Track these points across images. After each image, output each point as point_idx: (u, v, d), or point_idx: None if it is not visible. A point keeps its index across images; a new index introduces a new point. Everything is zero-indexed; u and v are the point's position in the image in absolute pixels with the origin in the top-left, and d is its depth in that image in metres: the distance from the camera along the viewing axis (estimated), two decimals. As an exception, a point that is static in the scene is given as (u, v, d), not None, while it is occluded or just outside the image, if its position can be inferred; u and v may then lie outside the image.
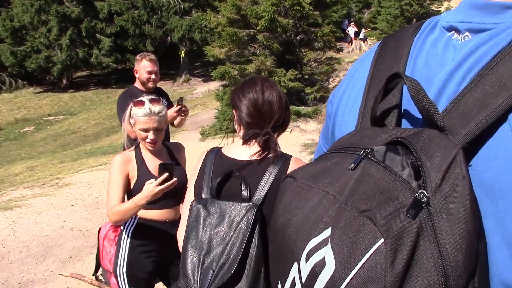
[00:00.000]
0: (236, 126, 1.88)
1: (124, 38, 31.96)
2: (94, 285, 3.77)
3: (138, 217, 2.67)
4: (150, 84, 4.11)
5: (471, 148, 0.66)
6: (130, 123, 2.61)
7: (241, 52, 14.88)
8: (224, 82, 15.44)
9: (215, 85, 21.87)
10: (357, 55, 25.88)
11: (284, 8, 13.95)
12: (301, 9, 13.79)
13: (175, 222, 2.66)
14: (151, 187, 2.30)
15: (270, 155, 1.74)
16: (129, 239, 2.65)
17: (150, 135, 2.56)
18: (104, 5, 31.26)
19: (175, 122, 4.09)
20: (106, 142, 19.31)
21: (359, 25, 31.27)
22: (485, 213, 0.64)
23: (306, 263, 0.68)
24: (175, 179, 2.33)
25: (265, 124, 1.77)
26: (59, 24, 30.23)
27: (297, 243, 0.71)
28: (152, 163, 2.61)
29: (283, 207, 0.80)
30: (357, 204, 0.64)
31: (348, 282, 0.59)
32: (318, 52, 15.46)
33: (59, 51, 30.62)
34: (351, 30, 29.47)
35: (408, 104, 0.78)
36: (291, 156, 1.81)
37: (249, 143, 1.78)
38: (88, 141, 21.02)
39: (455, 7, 0.83)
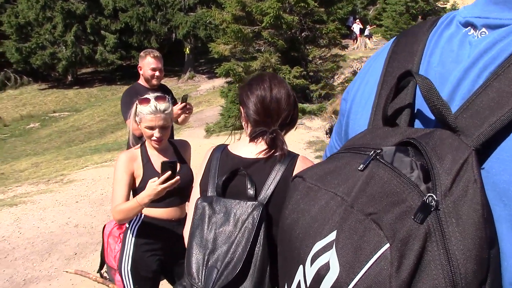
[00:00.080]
0: (243, 123, 1.86)
1: (129, 34, 32.00)
2: (98, 282, 3.77)
3: (143, 215, 2.65)
4: (154, 81, 4.10)
5: (485, 150, 0.63)
6: (135, 120, 2.59)
7: (246, 49, 14.85)
8: (229, 79, 15.43)
9: (219, 82, 21.89)
10: (362, 52, 25.84)
11: (289, 4, 13.92)
12: (306, 6, 13.77)
13: (181, 221, 2.65)
14: (153, 186, 2.27)
15: (277, 154, 1.72)
16: (134, 237, 2.64)
17: (156, 133, 2.54)
18: (109, 2, 31.29)
19: (179, 119, 4.08)
20: (110, 139, 19.34)
21: (364, 22, 31.17)
22: (498, 218, 0.61)
23: (311, 266, 0.66)
24: (178, 177, 2.30)
25: (273, 122, 1.74)
26: (64, 21, 30.30)
27: (303, 245, 0.70)
28: (158, 161, 2.59)
29: (291, 208, 0.78)
30: (363, 207, 0.62)
31: None
32: (323, 49, 15.42)
33: (64, 47, 30.69)
34: (356, 27, 29.35)
35: (422, 103, 0.74)
36: (298, 155, 1.78)
37: (255, 140, 1.75)
38: (93, 138, 21.07)
39: (472, 2, 0.80)
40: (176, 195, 2.57)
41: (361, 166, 0.67)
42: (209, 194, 1.72)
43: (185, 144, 2.88)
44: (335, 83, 16.20)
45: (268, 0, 13.65)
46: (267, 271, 1.60)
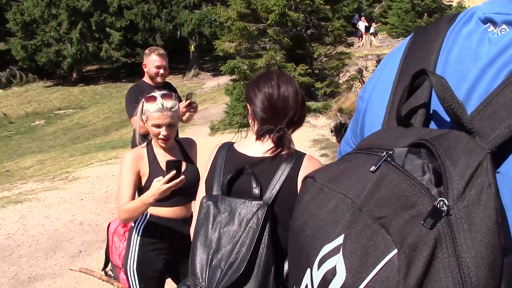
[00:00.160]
0: (250, 120, 1.84)
1: (134, 32, 32.00)
2: (103, 280, 3.76)
3: (149, 214, 2.63)
4: (158, 79, 4.09)
5: (501, 153, 0.60)
6: (142, 119, 2.57)
7: (251, 47, 14.83)
8: (233, 77, 15.39)
9: (224, 79, 21.84)
10: (368, 50, 25.77)
11: (295, 2, 13.90)
12: (311, 3, 13.75)
13: (187, 220, 2.64)
14: (158, 185, 2.25)
15: (284, 152, 1.70)
16: (139, 237, 2.62)
17: (163, 131, 2.52)
18: (114, -1, 31.35)
19: (184, 117, 4.07)
20: (115, 136, 19.38)
21: (370, 20, 31.05)
22: None
23: (318, 270, 0.65)
24: (183, 176, 2.28)
25: (280, 120, 1.72)
26: (69, 18, 30.33)
27: (311, 248, 0.68)
28: (164, 160, 2.56)
29: (301, 209, 0.76)
30: (372, 211, 0.60)
31: None
32: (328, 46, 15.38)
33: (69, 45, 30.73)
34: (362, 24, 29.25)
35: (437, 102, 0.71)
36: (305, 154, 1.76)
37: (262, 139, 1.73)
38: (98, 135, 21.11)
39: None
40: (182, 194, 2.55)
41: (373, 167, 0.65)
42: (214, 192, 1.71)
43: (191, 142, 2.87)
44: (340, 81, 16.17)
45: (273, -3, 13.63)
46: (271, 272, 1.59)
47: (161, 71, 4.07)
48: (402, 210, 0.56)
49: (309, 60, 14.76)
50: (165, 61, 4.12)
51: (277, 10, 13.09)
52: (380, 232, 0.57)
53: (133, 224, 2.67)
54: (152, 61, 4.05)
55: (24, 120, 26.05)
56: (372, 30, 29.09)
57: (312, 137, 10.88)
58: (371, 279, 0.56)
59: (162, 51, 4.14)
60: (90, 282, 4.50)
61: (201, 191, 1.80)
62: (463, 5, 30.64)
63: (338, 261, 0.60)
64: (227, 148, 1.80)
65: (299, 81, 13.18)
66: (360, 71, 21.64)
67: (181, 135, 3.88)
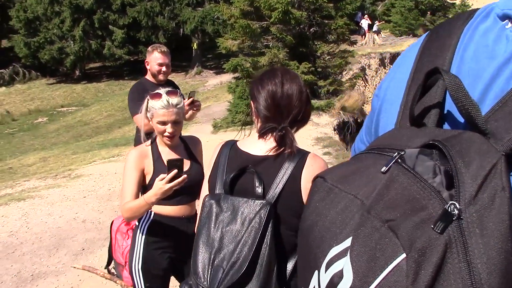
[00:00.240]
0: (254, 118, 1.83)
1: (137, 29, 31.99)
2: (106, 278, 3.76)
3: (153, 213, 2.61)
4: (161, 77, 4.07)
5: None
6: (147, 116, 2.56)
7: (254, 45, 14.83)
8: (236, 75, 15.38)
9: (227, 77, 21.85)
10: (371, 48, 25.73)
11: (298, 0, 13.86)
12: (314, 1, 13.74)
13: (191, 218, 2.62)
14: (160, 185, 2.23)
15: (286, 151, 1.69)
16: (144, 236, 2.60)
17: (169, 128, 2.49)
18: (117, -4, 31.34)
19: (187, 115, 4.05)
20: (118, 134, 19.38)
21: (373, 18, 30.99)
22: None
23: (325, 272, 0.63)
24: (185, 176, 2.26)
25: (283, 118, 1.70)
26: (72, 15, 30.34)
27: (319, 249, 0.67)
28: (169, 157, 2.55)
29: (311, 209, 0.74)
30: (380, 213, 0.58)
31: None
32: (331, 44, 15.37)
33: (72, 42, 30.74)
34: (365, 22, 29.21)
35: (452, 102, 0.68)
36: (309, 152, 1.74)
37: (265, 137, 1.72)
38: (101, 133, 21.12)
39: None
40: (186, 192, 2.53)
41: (384, 168, 0.63)
42: (217, 191, 1.70)
43: (195, 140, 2.85)
44: (343, 79, 16.17)
45: (276, -5, 13.62)
46: (274, 272, 1.58)
47: (164, 68, 4.06)
48: (412, 213, 0.55)
49: (312, 58, 14.75)
50: (168, 59, 4.10)
51: (280, 8, 13.08)
52: (388, 235, 0.55)
53: (137, 223, 2.65)
54: (155, 58, 4.03)
55: (27, 118, 26.08)
56: (375, 28, 29.05)
57: (315, 135, 10.87)
58: (378, 283, 0.54)
59: (164, 48, 4.13)
60: (93, 280, 4.50)
61: (204, 190, 1.79)
62: (467, 3, 30.58)
63: (345, 264, 0.59)
64: (230, 146, 1.79)
65: (302, 79, 13.15)
66: (363, 69, 21.64)
67: (183, 133, 3.87)
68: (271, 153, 1.69)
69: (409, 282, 0.51)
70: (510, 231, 0.52)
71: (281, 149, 1.68)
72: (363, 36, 29.01)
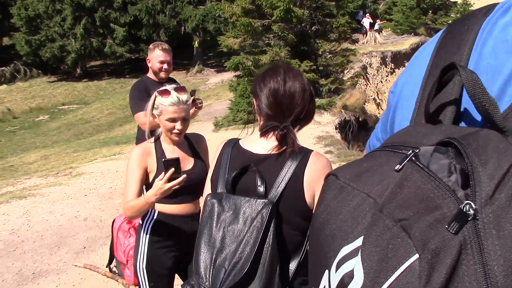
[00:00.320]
0: (256, 116, 1.81)
1: (138, 27, 32.01)
2: (107, 277, 3.75)
3: (156, 211, 2.59)
4: (162, 74, 4.05)
5: None
6: (153, 113, 2.52)
7: (256, 43, 14.82)
8: (238, 73, 15.38)
9: (228, 75, 21.86)
10: (372, 47, 25.70)
11: (299, -2, 13.88)
12: (316, 0, 13.70)
13: (195, 216, 2.60)
14: (159, 185, 2.21)
15: (288, 150, 1.66)
16: (148, 235, 2.58)
17: (178, 125, 2.46)
18: (118, -6, 31.36)
19: (189, 113, 4.04)
20: (119, 132, 19.41)
21: (374, 16, 30.99)
22: None
23: (336, 272, 0.61)
24: (184, 175, 2.24)
25: (285, 117, 1.68)
26: (74, 13, 30.37)
27: (330, 248, 0.64)
28: (172, 155, 2.52)
29: (323, 207, 0.72)
30: (393, 212, 0.56)
31: None
32: (333, 43, 15.37)
33: (73, 40, 30.77)
34: (366, 21, 29.17)
35: (469, 99, 0.66)
36: (312, 150, 1.72)
37: (266, 135, 1.70)
38: (102, 131, 21.14)
39: None
40: (189, 190, 2.50)
41: (398, 166, 0.61)
42: (219, 190, 1.69)
43: (199, 138, 2.82)
44: (344, 78, 16.14)
45: (278, -7, 13.61)
46: (276, 272, 1.56)
47: (165, 66, 4.04)
48: (425, 212, 0.53)
49: (314, 57, 14.75)
50: (169, 56, 4.09)
51: (282, 6, 13.07)
52: (401, 235, 0.53)
53: (141, 222, 2.63)
54: (156, 56, 4.02)
55: (28, 115, 26.12)
56: (376, 26, 29.01)
57: (316, 134, 10.85)
58: (389, 284, 0.52)
59: (166, 46, 4.11)
60: (94, 278, 4.49)
61: (207, 188, 1.78)
62: (468, 2, 30.55)
63: (356, 264, 0.57)
64: (233, 144, 1.77)
65: (304, 77, 13.17)
66: (364, 68, 21.62)
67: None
68: (273, 152, 1.67)
69: (421, 283, 0.50)
70: None
71: (283, 148, 1.66)
72: (365, 35, 28.98)
